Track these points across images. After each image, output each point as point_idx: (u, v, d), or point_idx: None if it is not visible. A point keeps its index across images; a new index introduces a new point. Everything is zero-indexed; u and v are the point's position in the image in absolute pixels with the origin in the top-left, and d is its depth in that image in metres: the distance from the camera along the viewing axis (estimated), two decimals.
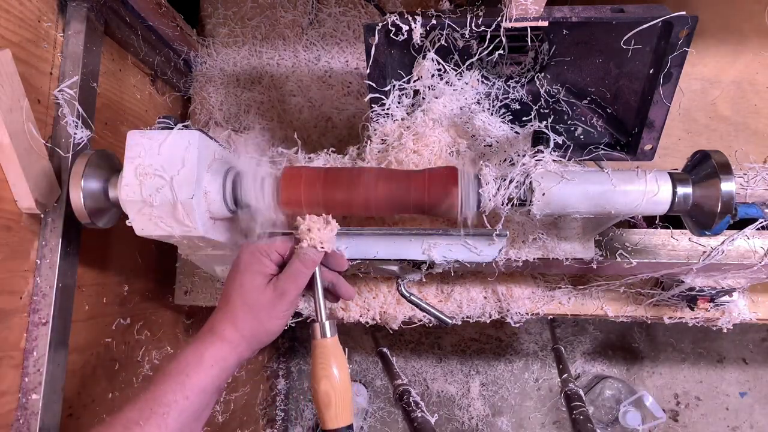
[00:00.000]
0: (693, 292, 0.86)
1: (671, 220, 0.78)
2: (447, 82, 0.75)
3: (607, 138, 0.77)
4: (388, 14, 0.65)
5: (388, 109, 0.74)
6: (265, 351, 1.73)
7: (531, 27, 0.63)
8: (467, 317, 0.97)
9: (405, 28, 0.65)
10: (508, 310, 0.96)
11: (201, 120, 1.06)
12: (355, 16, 1.07)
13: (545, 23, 0.62)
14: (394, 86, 0.74)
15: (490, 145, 0.75)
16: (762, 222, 0.70)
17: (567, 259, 0.77)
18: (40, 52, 0.72)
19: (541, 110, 0.78)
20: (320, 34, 1.07)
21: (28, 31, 0.70)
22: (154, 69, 0.99)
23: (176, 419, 0.52)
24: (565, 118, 0.78)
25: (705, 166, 0.62)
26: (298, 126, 1.06)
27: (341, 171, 0.66)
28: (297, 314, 0.96)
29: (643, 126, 0.70)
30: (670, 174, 0.62)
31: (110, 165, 0.70)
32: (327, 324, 0.62)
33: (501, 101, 0.78)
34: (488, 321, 0.98)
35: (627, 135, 0.75)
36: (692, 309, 0.91)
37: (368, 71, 0.70)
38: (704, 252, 0.77)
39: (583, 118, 0.77)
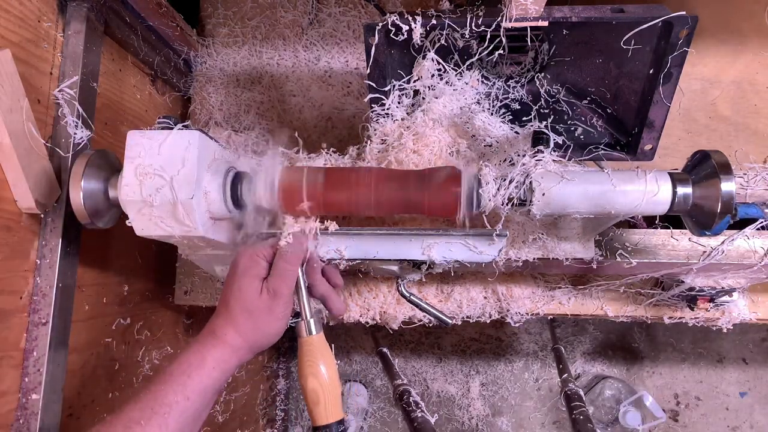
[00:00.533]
0: (693, 292, 0.86)
1: (671, 220, 0.78)
2: (447, 82, 0.75)
3: (607, 138, 0.77)
4: (388, 14, 0.65)
5: (388, 109, 0.74)
6: (265, 351, 1.73)
7: (531, 27, 0.63)
8: (467, 317, 0.97)
9: (405, 28, 0.65)
10: (508, 310, 0.96)
11: (201, 120, 1.06)
12: (355, 16, 1.07)
13: (545, 23, 0.62)
14: (394, 86, 0.74)
15: (490, 145, 0.75)
16: (762, 222, 0.70)
17: (567, 259, 0.77)
18: (40, 52, 0.72)
19: (541, 110, 0.78)
20: (320, 34, 1.07)
21: (28, 31, 0.70)
22: (154, 69, 0.99)
23: (177, 420, 0.53)
24: (565, 118, 0.78)
25: (705, 166, 0.62)
26: (298, 126, 1.06)
27: (341, 171, 0.66)
28: (297, 314, 0.96)
29: (643, 126, 0.70)
30: (670, 174, 0.62)
31: (110, 165, 0.70)
32: (312, 321, 0.62)
33: (501, 101, 0.78)
34: (488, 321, 0.98)
35: (627, 135, 0.75)
36: (692, 309, 0.91)
37: (368, 71, 0.70)
38: (704, 252, 0.77)
39: (583, 118, 0.77)
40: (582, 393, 1.23)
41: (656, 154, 0.73)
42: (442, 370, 1.91)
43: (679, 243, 0.79)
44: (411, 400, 1.12)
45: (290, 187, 0.64)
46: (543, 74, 0.77)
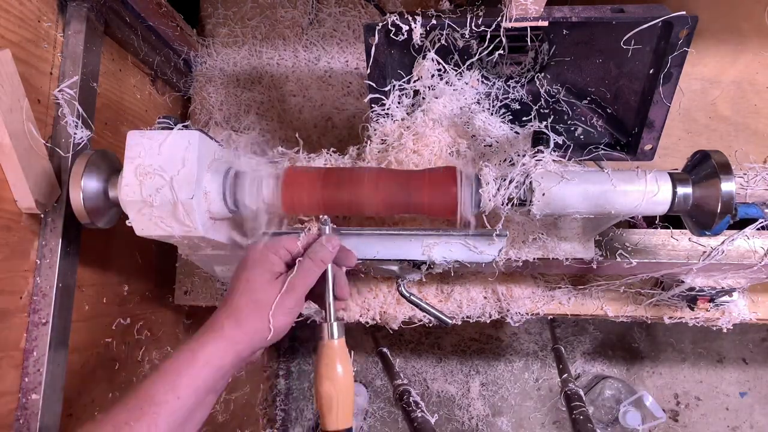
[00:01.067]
0: (693, 292, 0.86)
1: (671, 220, 0.78)
2: (447, 82, 0.75)
3: (607, 138, 0.77)
4: (388, 14, 0.65)
5: (388, 109, 0.74)
6: (265, 351, 1.73)
7: (531, 27, 0.63)
8: (467, 317, 0.97)
9: (405, 28, 0.65)
10: (508, 310, 0.96)
11: (201, 120, 1.06)
12: (355, 16, 1.07)
13: (545, 23, 0.62)
14: (394, 86, 0.74)
15: (490, 145, 0.75)
16: (762, 222, 0.70)
17: (567, 259, 0.77)
18: (40, 52, 0.72)
19: (541, 110, 0.78)
20: (320, 34, 1.07)
21: (28, 31, 0.70)
22: (154, 69, 0.99)
23: (167, 420, 0.51)
24: (565, 118, 0.78)
25: (705, 166, 0.62)
26: (298, 126, 1.06)
27: (341, 171, 0.66)
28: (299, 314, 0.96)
29: (643, 126, 0.70)
30: (670, 174, 0.62)
31: (110, 165, 0.70)
32: (335, 325, 0.61)
33: (501, 101, 0.78)
34: (488, 321, 0.98)
35: (627, 135, 0.75)
36: (692, 309, 0.91)
37: (368, 71, 0.70)
38: (704, 252, 0.77)
39: (583, 118, 0.77)
40: (582, 393, 1.23)
41: (656, 154, 0.73)
42: (442, 370, 1.91)
43: (679, 243, 0.79)
44: (411, 400, 1.12)
45: (290, 187, 0.64)
46: (543, 74, 0.77)
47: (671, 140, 1.00)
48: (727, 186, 0.59)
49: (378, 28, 0.65)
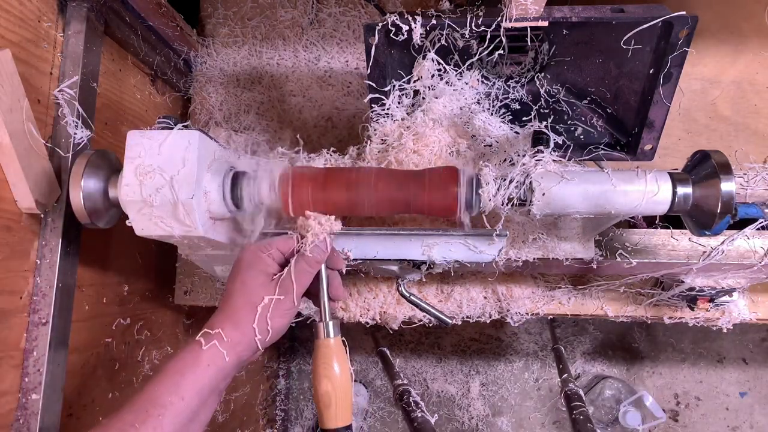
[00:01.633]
0: (693, 292, 0.86)
1: (671, 220, 0.78)
2: (447, 82, 0.75)
3: (607, 138, 0.77)
4: (388, 14, 0.65)
5: (388, 109, 0.74)
6: (265, 351, 1.73)
7: (531, 27, 0.63)
8: (467, 317, 0.97)
9: (405, 28, 0.65)
10: (508, 310, 0.96)
11: (201, 120, 1.06)
12: (355, 16, 1.07)
13: (545, 23, 0.62)
14: (394, 86, 0.74)
15: (490, 145, 0.75)
16: (762, 222, 0.70)
17: (567, 259, 0.77)
18: (40, 52, 0.72)
19: (541, 110, 0.78)
20: (320, 34, 1.07)
21: (28, 31, 0.70)
22: (154, 69, 0.99)
23: (172, 421, 0.51)
24: (565, 118, 0.78)
25: (705, 166, 0.62)
26: (298, 126, 1.06)
27: (341, 171, 0.66)
28: (297, 314, 0.96)
29: (643, 126, 0.70)
30: (670, 174, 0.62)
31: (110, 165, 0.70)
32: (331, 324, 0.61)
33: (501, 101, 0.78)
34: (488, 321, 0.98)
35: (627, 135, 0.75)
36: (692, 309, 0.91)
37: (368, 71, 0.70)
38: (704, 252, 0.77)
39: (583, 118, 0.77)
40: (582, 393, 1.23)
41: (656, 154, 0.73)
42: (442, 370, 1.91)
43: (679, 243, 0.79)
44: (411, 400, 1.12)
45: (290, 187, 0.64)
46: (543, 74, 0.77)
47: (671, 140, 1.00)
48: (727, 186, 0.59)
49: (378, 28, 0.65)
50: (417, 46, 0.69)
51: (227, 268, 0.83)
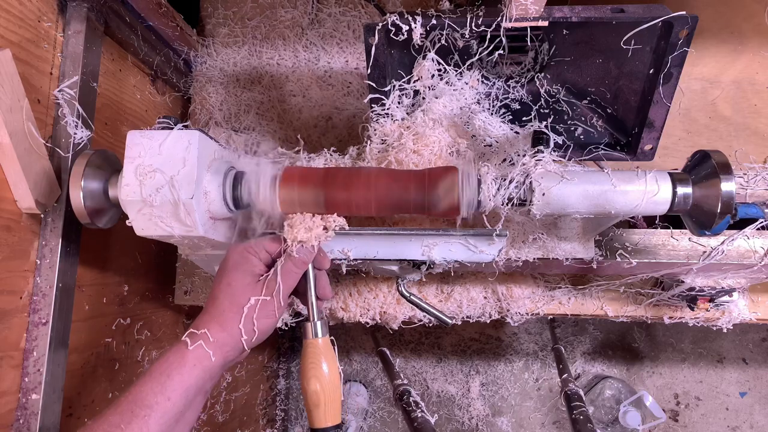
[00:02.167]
0: (693, 292, 0.86)
1: (671, 220, 0.78)
2: (447, 82, 0.75)
3: (607, 138, 0.77)
4: (388, 14, 0.65)
5: (388, 109, 0.74)
6: (265, 351, 1.73)
7: (531, 27, 0.63)
8: (467, 317, 0.97)
9: (405, 28, 0.65)
10: (508, 310, 0.96)
11: (201, 120, 1.06)
12: (355, 16, 1.07)
13: (545, 23, 0.62)
14: (394, 86, 0.74)
15: (490, 145, 0.75)
16: (762, 222, 0.70)
17: (567, 259, 0.77)
18: (40, 52, 0.72)
19: (541, 110, 0.78)
20: (320, 34, 1.07)
21: (28, 31, 0.70)
22: (154, 69, 0.99)
23: (158, 421, 0.51)
24: (565, 118, 0.78)
25: (705, 166, 0.62)
26: (298, 126, 1.06)
27: (341, 171, 0.66)
28: (297, 314, 0.96)
29: (643, 126, 0.70)
30: (670, 174, 0.62)
31: (110, 165, 0.70)
32: (318, 324, 0.62)
33: (501, 101, 0.78)
34: (488, 321, 0.98)
35: (627, 135, 0.75)
36: (692, 309, 0.91)
37: (368, 71, 0.70)
38: (704, 252, 0.77)
39: (583, 118, 0.77)
40: (582, 393, 1.23)
41: (656, 154, 0.73)
42: (442, 370, 1.91)
43: (679, 243, 0.79)
44: (411, 400, 1.12)
45: (290, 187, 0.64)
46: (543, 74, 0.77)
47: (671, 140, 1.00)
48: (727, 186, 0.59)
49: (378, 28, 0.65)
50: (417, 46, 0.69)
51: None
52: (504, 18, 0.62)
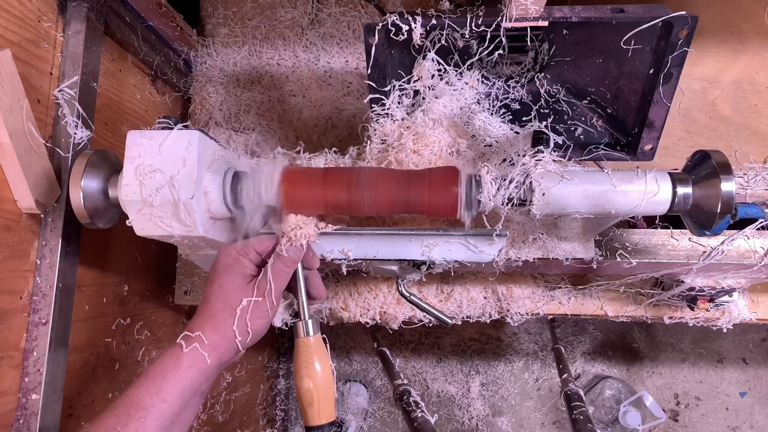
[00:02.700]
0: (693, 292, 0.86)
1: (671, 220, 0.78)
2: (447, 82, 0.75)
3: (607, 138, 0.77)
4: (388, 14, 0.65)
5: (388, 109, 0.74)
6: (265, 351, 1.73)
7: (531, 27, 0.63)
8: (467, 317, 0.97)
9: (405, 28, 0.65)
10: (508, 310, 0.96)
11: (201, 120, 1.06)
12: (355, 16, 1.07)
13: (545, 23, 0.62)
14: (394, 86, 0.74)
15: (490, 145, 0.75)
16: (762, 222, 0.70)
17: (567, 259, 0.77)
18: (40, 52, 0.72)
19: (541, 110, 0.78)
20: (320, 34, 1.07)
21: (28, 31, 0.70)
22: (154, 69, 0.99)
23: (154, 423, 0.52)
24: (565, 118, 0.78)
25: (705, 166, 0.62)
26: (298, 126, 1.06)
27: (341, 171, 0.66)
28: (297, 314, 0.96)
29: (643, 126, 0.70)
30: (670, 174, 0.62)
31: (110, 165, 0.70)
32: (310, 322, 0.62)
33: (501, 101, 0.78)
34: (488, 321, 0.98)
35: (627, 135, 0.75)
36: (692, 309, 0.91)
37: (368, 71, 0.70)
38: (704, 252, 0.77)
39: (583, 118, 0.77)
40: (582, 393, 1.23)
41: (656, 154, 0.73)
42: (442, 370, 1.91)
43: (679, 243, 0.79)
44: (411, 400, 1.12)
45: (290, 187, 0.64)
46: (543, 74, 0.77)
47: (671, 140, 1.00)
48: (727, 186, 0.59)
49: (378, 28, 0.65)
50: (417, 46, 0.69)
51: None
52: (504, 18, 0.62)
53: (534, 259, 0.78)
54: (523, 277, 0.97)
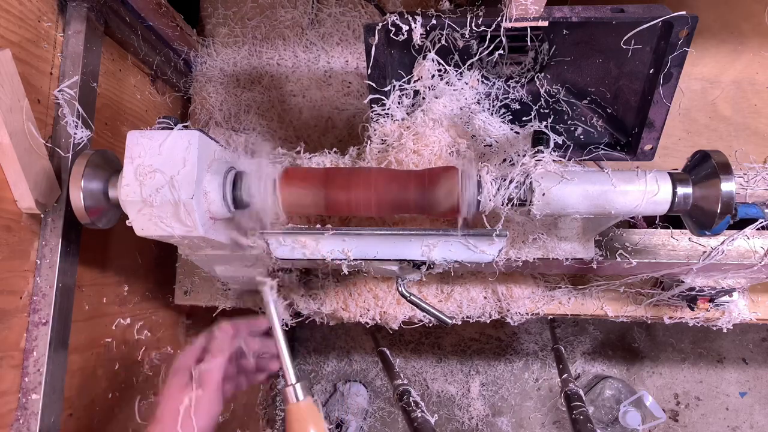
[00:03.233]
0: (693, 292, 0.86)
1: (671, 220, 0.78)
2: (447, 82, 0.75)
3: (607, 138, 0.77)
4: (388, 14, 0.65)
5: (388, 109, 0.74)
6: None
7: (531, 27, 0.63)
8: (467, 317, 0.97)
9: (405, 28, 0.65)
10: (508, 310, 0.96)
11: (201, 120, 1.06)
12: (355, 16, 1.07)
13: (545, 23, 0.62)
14: (394, 86, 0.74)
15: (490, 145, 0.75)
16: (762, 222, 0.70)
17: (567, 259, 0.77)
18: (40, 52, 0.72)
19: (541, 110, 0.78)
20: (320, 34, 1.07)
21: (28, 31, 0.70)
22: (154, 69, 0.99)
23: None
24: (565, 118, 0.78)
25: (705, 166, 0.62)
26: (298, 126, 1.06)
27: (341, 171, 0.66)
28: (297, 314, 0.96)
29: (643, 126, 0.70)
30: (670, 174, 0.62)
31: (110, 165, 0.70)
32: (298, 387, 0.62)
33: (501, 101, 0.78)
34: (488, 321, 0.98)
35: (627, 135, 0.75)
36: (692, 309, 0.91)
37: (368, 71, 0.70)
38: (704, 252, 0.77)
39: (583, 118, 0.77)
40: (582, 393, 1.23)
41: (656, 154, 0.73)
42: (442, 370, 1.91)
43: (679, 243, 0.79)
44: (411, 400, 1.12)
45: (290, 187, 0.64)
46: (543, 74, 0.77)
47: (671, 140, 1.00)
48: (727, 186, 0.59)
49: (378, 28, 0.65)
50: (417, 46, 0.69)
51: (227, 268, 0.83)
52: (504, 18, 0.62)
53: (534, 259, 0.78)
54: (523, 277, 0.97)
